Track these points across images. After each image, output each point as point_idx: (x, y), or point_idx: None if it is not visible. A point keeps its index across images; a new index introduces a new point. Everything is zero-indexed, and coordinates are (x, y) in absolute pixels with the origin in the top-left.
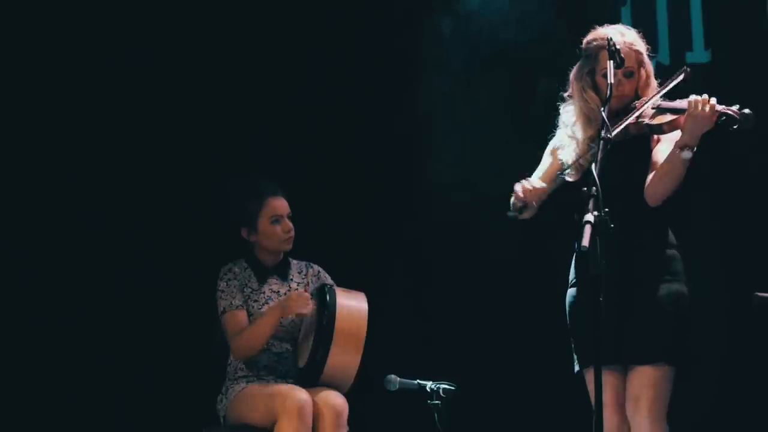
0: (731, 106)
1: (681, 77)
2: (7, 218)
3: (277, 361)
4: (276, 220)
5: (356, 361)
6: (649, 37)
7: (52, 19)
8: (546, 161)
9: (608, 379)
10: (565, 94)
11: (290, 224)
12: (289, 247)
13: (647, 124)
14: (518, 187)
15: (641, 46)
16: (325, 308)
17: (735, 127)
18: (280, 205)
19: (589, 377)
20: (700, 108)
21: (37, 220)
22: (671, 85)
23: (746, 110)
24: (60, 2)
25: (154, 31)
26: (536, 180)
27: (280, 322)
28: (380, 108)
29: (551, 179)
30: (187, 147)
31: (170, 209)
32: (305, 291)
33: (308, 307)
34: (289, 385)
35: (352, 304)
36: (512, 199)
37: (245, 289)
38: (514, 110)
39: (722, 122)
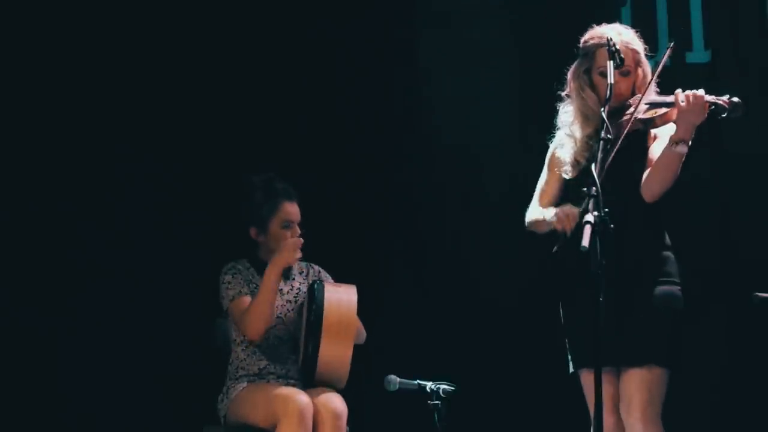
0: (722, 96)
1: (667, 53)
2: (6, 213)
3: (278, 359)
4: (287, 225)
5: (348, 353)
6: (649, 37)
7: (57, 18)
8: (546, 172)
9: (603, 381)
10: (564, 93)
11: (299, 231)
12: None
13: (639, 119)
14: (556, 223)
15: (638, 45)
16: (313, 303)
17: (724, 115)
18: (293, 211)
19: (584, 378)
20: (691, 101)
21: (37, 218)
22: (663, 61)
23: (735, 99)
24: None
25: (161, 32)
26: (568, 207)
27: (283, 321)
28: (381, 106)
29: (555, 192)
30: (185, 146)
31: (173, 209)
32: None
33: (295, 255)
34: (290, 388)
35: (340, 297)
36: (535, 213)
37: (250, 284)
38: (518, 109)
39: (712, 111)
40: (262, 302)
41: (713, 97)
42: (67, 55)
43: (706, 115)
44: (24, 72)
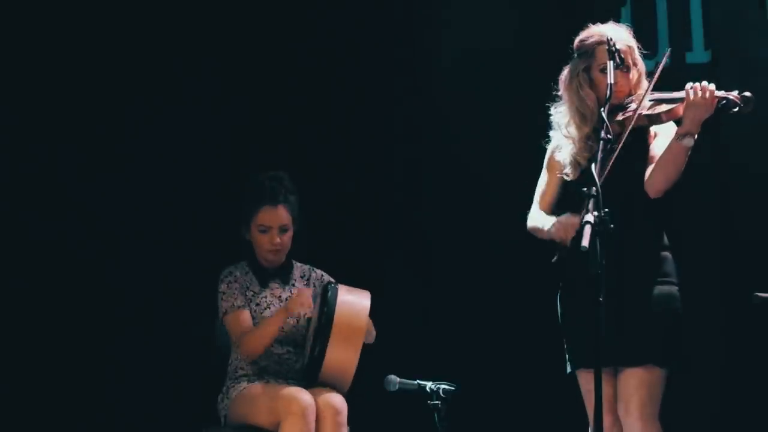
0: (730, 91)
1: (664, 61)
2: (3, 213)
3: (277, 363)
4: (263, 230)
5: (354, 359)
6: (649, 37)
7: (61, 16)
8: (545, 174)
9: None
10: (559, 93)
11: (278, 238)
12: (274, 258)
13: (645, 114)
14: (557, 235)
15: (633, 42)
16: (325, 305)
17: (735, 110)
18: (271, 216)
19: (582, 378)
20: (699, 95)
21: (37, 217)
22: (659, 71)
23: (746, 93)
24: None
25: (169, 32)
26: (567, 216)
27: (282, 327)
28: (380, 104)
29: (555, 193)
30: (186, 144)
31: (173, 208)
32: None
33: (306, 307)
34: (293, 387)
35: (353, 302)
36: (537, 221)
37: (247, 293)
38: (519, 112)
39: (722, 106)
40: (262, 336)
41: (723, 92)
42: (71, 55)
43: (713, 110)
44: (24, 73)
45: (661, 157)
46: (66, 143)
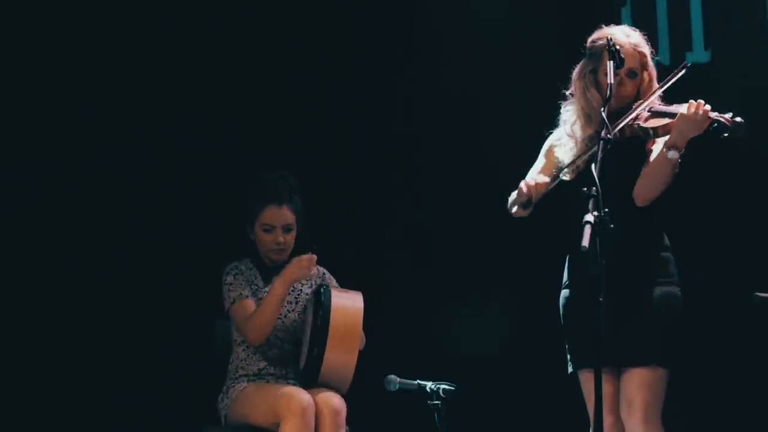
0: (725, 113)
1: (681, 73)
2: (4, 213)
3: (277, 361)
4: (267, 229)
5: (353, 360)
6: (649, 37)
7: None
8: (541, 160)
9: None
10: (568, 92)
11: (282, 237)
12: (277, 257)
13: (641, 126)
14: (522, 184)
15: (646, 48)
16: (320, 308)
17: (726, 135)
18: (275, 216)
19: (583, 378)
20: (693, 111)
21: (37, 218)
22: (671, 82)
23: (738, 119)
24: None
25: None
26: (538, 175)
27: (283, 323)
28: (378, 102)
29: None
30: (187, 143)
31: (173, 208)
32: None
33: (307, 270)
34: (292, 387)
35: (346, 304)
36: (515, 194)
37: (251, 286)
38: (520, 113)
39: (714, 129)
40: (266, 312)
41: (717, 113)
42: (73, 55)
43: (703, 130)
44: (24, 76)
45: (647, 167)
46: (65, 143)
